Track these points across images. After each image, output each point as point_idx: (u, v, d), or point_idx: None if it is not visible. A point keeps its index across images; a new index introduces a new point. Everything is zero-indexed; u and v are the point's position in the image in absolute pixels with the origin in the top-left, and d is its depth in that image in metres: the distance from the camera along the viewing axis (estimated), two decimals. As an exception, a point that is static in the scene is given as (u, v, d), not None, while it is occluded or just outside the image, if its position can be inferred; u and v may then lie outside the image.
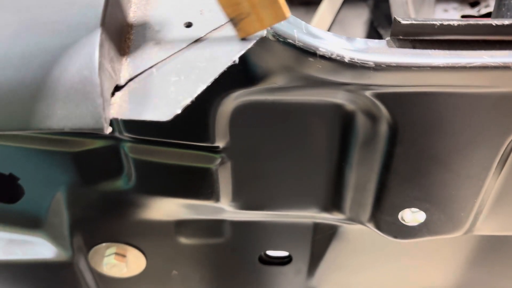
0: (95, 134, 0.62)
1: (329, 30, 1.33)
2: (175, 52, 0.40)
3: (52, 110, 0.36)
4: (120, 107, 0.37)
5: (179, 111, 0.37)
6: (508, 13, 0.78)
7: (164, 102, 0.37)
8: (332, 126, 0.56)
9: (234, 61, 0.40)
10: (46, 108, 0.36)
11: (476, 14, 1.45)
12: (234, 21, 0.40)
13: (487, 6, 1.45)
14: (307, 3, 1.46)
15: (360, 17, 1.41)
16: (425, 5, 1.34)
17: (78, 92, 0.35)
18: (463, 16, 1.44)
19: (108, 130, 0.37)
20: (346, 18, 1.41)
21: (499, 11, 0.78)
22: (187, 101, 0.37)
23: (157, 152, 0.62)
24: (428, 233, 0.63)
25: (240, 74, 0.51)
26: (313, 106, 0.55)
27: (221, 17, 0.42)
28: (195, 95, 0.38)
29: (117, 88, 0.38)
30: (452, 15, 1.45)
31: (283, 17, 0.40)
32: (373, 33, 1.37)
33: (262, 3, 0.39)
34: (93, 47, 0.36)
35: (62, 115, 0.35)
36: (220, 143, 0.60)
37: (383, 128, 0.54)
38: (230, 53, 0.40)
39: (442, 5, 1.48)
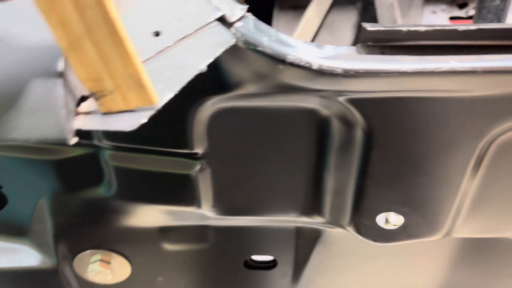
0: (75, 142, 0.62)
1: (317, 33, 1.34)
2: (143, 61, 0.40)
3: (17, 121, 0.36)
4: (86, 118, 0.38)
5: (144, 121, 0.37)
6: (489, 16, 0.78)
7: (130, 112, 0.37)
8: (308, 131, 0.57)
9: (201, 70, 0.40)
10: (11, 119, 0.36)
11: (464, 15, 1.46)
12: (95, 96, 0.37)
13: (475, 7, 1.45)
14: (296, 7, 1.46)
15: (349, 20, 1.41)
16: (413, 7, 1.34)
17: (42, 104, 0.35)
18: (451, 18, 1.44)
19: (73, 141, 0.37)
20: (335, 21, 1.41)
21: (480, 14, 0.79)
22: (153, 110, 0.38)
23: (137, 159, 0.62)
24: (407, 237, 0.63)
25: (214, 81, 0.51)
26: (289, 111, 0.55)
27: (189, 26, 0.42)
28: (162, 104, 0.38)
29: (83, 98, 0.39)
30: (440, 17, 1.46)
31: (151, 103, 0.38)
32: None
33: (127, 85, 0.36)
34: (56, 58, 0.36)
35: (27, 127, 0.36)
36: (199, 150, 0.60)
37: (358, 133, 0.54)
38: (198, 61, 0.40)
39: (431, 7, 1.49)
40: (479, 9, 0.79)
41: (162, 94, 0.38)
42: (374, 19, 1.36)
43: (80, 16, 0.32)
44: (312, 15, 1.21)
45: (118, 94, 0.37)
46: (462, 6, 1.48)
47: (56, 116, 0.35)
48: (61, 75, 0.36)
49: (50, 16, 0.32)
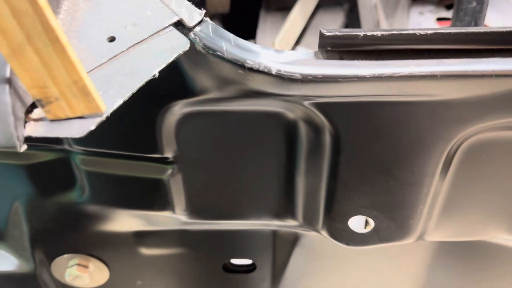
0: (45, 146, 0.62)
1: (303, 35, 1.33)
2: (96, 67, 0.40)
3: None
4: (36, 125, 0.37)
5: (93, 127, 0.37)
6: (466, 18, 0.78)
7: (79, 118, 0.37)
8: (277, 134, 0.57)
9: (154, 75, 0.40)
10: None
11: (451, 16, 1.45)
12: (41, 102, 0.37)
13: (461, 8, 1.45)
14: (283, 9, 1.46)
15: (335, 22, 1.41)
16: (399, 9, 1.34)
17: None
18: (438, 19, 1.44)
19: (23, 148, 0.37)
20: (321, 23, 1.41)
21: (457, 16, 0.79)
22: (103, 117, 0.37)
23: (108, 164, 0.62)
24: (379, 240, 0.63)
25: (179, 86, 0.51)
26: (256, 115, 0.55)
27: (144, 32, 0.42)
28: (111, 110, 0.38)
29: (34, 105, 0.38)
30: (428, 18, 1.45)
31: (97, 110, 0.37)
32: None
33: (72, 92, 0.36)
34: (4, 65, 0.36)
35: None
36: (169, 154, 0.60)
37: (326, 137, 0.54)
38: (151, 67, 0.40)
39: (418, 8, 1.48)
40: (456, 11, 0.79)
41: (113, 100, 0.38)
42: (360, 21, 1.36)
43: (18, 23, 0.32)
44: (297, 17, 1.21)
45: (63, 101, 0.37)
46: (449, 7, 1.47)
47: (3, 124, 0.35)
48: (8, 81, 0.35)
49: None
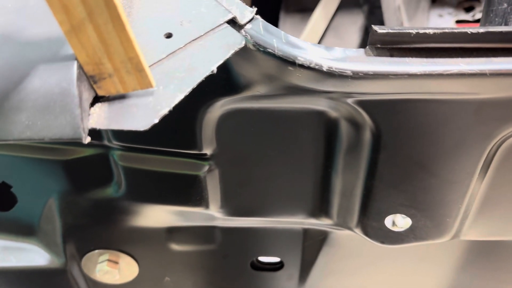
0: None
1: (323, 36, 1.34)
2: (155, 63, 0.41)
3: (33, 120, 0.36)
4: (99, 117, 0.38)
5: (156, 121, 0.38)
6: (496, 19, 0.79)
7: (142, 112, 0.38)
8: (317, 132, 0.57)
9: (212, 71, 0.41)
10: (26, 118, 0.36)
11: (470, 19, 1.46)
12: (94, 79, 0.38)
13: (481, 11, 1.45)
14: (302, 10, 1.47)
15: (355, 24, 1.41)
16: (419, 11, 1.34)
17: (57, 103, 0.36)
18: (457, 21, 1.44)
19: (87, 140, 0.37)
20: (341, 24, 1.42)
21: (487, 17, 0.79)
22: (165, 110, 0.38)
23: (145, 160, 0.63)
24: (415, 239, 0.63)
25: (224, 83, 0.52)
26: (298, 113, 0.55)
27: (200, 28, 0.43)
28: (173, 104, 0.39)
29: (97, 98, 0.39)
30: (447, 20, 1.46)
31: (149, 85, 0.38)
32: (368, 39, 1.38)
33: (126, 68, 0.37)
34: (71, 59, 0.36)
35: (42, 126, 0.36)
36: (208, 151, 0.60)
37: (367, 135, 0.54)
38: (209, 63, 0.41)
39: (437, 11, 1.49)
40: (486, 12, 0.79)
41: (174, 95, 0.39)
42: (380, 22, 1.36)
43: (82, 0, 0.32)
44: (319, 18, 1.22)
45: (116, 77, 0.37)
46: (468, 9, 1.48)
47: (71, 116, 0.36)
48: (76, 74, 0.36)
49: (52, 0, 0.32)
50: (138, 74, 0.38)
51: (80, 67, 0.37)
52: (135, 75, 0.38)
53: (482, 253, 0.73)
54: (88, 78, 0.38)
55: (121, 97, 0.39)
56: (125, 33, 0.35)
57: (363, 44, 1.37)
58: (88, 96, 0.38)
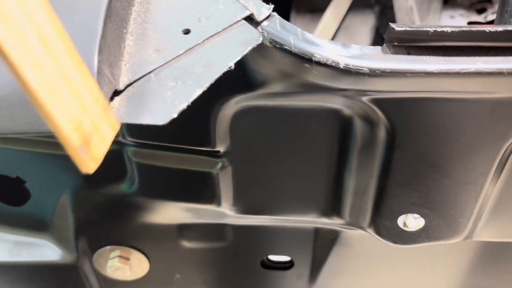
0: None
1: (334, 36, 1.34)
2: (173, 58, 0.41)
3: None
4: (118, 111, 0.38)
5: (175, 115, 0.38)
6: (511, 20, 0.78)
7: (161, 107, 0.38)
8: (331, 131, 0.57)
9: (230, 67, 0.41)
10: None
11: (483, 20, 1.45)
12: (84, 149, 0.31)
13: (494, 12, 1.44)
14: (313, 10, 1.47)
15: (366, 24, 1.41)
16: (431, 12, 1.34)
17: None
18: (469, 23, 1.43)
19: (107, 133, 0.38)
20: (352, 25, 1.41)
21: (501, 18, 0.78)
22: (183, 105, 0.38)
23: (159, 156, 0.63)
24: (427, 239, 0.63)
25: (239, 80, 0.52)
26: (312, 111, 0.55)
27: (218, 24, 0.43)
28: (191, 99, 0.39)
29: (116, 92, 0.40)
30: (459, 22, 1.45)
31: (117, 125, 0.34)
32: (379, 40, 1.37)
33: (97, 114, 0.31)
34: (92, 53, 0.37)
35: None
36: (221, 148, 0.60)
37: (381, 133, 0.54)
38: (226, 59, 0.41)
39: (449, 12, 1.48)
40: (500, 13, 0.78)
41: (192, 90, 0.39)
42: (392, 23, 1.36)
43: (49, 57, 0.28)
44: (330, 18, 1.21)
45: (96, 134, 0.32)
46: (480, 11, 1.47)
47: (90, 110, 0.36)
48: (96, 69, 0.37)
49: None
50: (106, 114, 0.33)
51: (100, 61, 0.37)
52: (105, 117, 0.32)
53: (495, 254, 0.73)
54: (79, 150, 0.31)
55: (140, 92, 0.40)
56: (84, 69, 0.30)
57: (374, 45, 1.36)
58: (107, 90, 0.38)
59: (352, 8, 1.37)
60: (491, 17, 1.45)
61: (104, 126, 0.33)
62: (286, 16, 1.46)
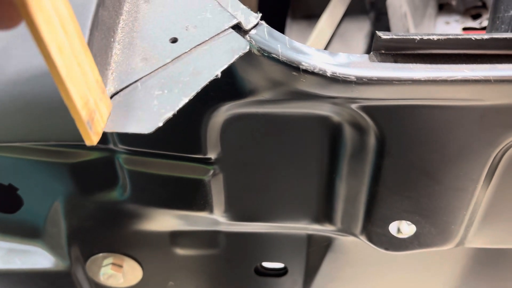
0: (91, 146, 0.64)
1: (329, 43, 1.34)
2: (160, 67, 0.41)
3: (39, 123, 0.37)
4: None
5: (161, 124, 0.38)
6: (502, 26, 0.78)
7: (147, 115, 0.38)
8: (321, 137, 0.57)
9: (217, 76, 0.41)
10: (32, 121, 0.37)
11: (477, 26, 1.45)
12: (90, 124, 0.35)
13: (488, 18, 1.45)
14: (308, 16, 1.48)
15: (361, 30, 1.42)
16: (426, 18, 1.34)
17: (63, 106, 0.36)
18: (464, 29, 1.44)
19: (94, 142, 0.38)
20: (347, 31, 1.42)
21: (493, 24, 0.79)
22: (169, 114, 0.38)
23: (151, 164, 0.63)
24: (419, 246, 0.63)
25: (229, 88, 0.52)
26: (302, 118, 0.55)
27: (205, 33, 0.43)
28: (178, 108, 0.39)
29: (103, 101, 0.40)
30: (454, 28, 1.46)
31: (111, 106, 0.38)
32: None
33: (98, 95, 0.35)
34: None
35: (48, 128, 0.37)
36: (212, 155, 0.61)
37: (371, 140, 0.54)
38: (213, 67, 0.41)
39: (444, 18, 1.48)
40: (492, 19, 0.79)
41: (178, 99, 0.39)
42: (386, 29, 1.36)
43: (64, 32, 0.31)
44: (325, 24, 1.22)
45: (98, 112, 0.36)
46: (475, 17, 1.47)
47: (76, 119, 0.36)
48: (81, 78, 0.37)
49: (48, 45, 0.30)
50: (103, 95, 0.36)
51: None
52: (103, 100, 0.36)
53: (488, 261, 0.72)
54: (87, 123, 0.35)
55: (126, 100, 0.40)
56: (89, 53, 0.34)
57: (369, 51, 1.37)
58: (94, 99, 0.38)
59: (347, 14, 1.38)
60: (485, 23, 1.45)
61: (102, 105, 0.37)
62: (282, 23, 1.47)
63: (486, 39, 0.44)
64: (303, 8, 1.48)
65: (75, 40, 0.33)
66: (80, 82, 0.34)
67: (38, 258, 0.79)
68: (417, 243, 0.62)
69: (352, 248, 0.75)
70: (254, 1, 1.33)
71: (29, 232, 0.75)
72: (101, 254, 0.78)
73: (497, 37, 0.44)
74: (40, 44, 0.30)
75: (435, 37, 0.43)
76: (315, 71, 0.45)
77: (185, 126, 0.58)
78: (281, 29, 1.46)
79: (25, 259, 0.79)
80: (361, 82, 0.45)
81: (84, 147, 0.63)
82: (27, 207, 0.72)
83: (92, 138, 0.36)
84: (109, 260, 0.79)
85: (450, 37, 0.43)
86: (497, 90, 0.46)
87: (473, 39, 0.43)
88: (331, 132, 0.56)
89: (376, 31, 0.44)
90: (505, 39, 0.44)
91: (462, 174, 0.55)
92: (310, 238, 0.75)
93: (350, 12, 1.38)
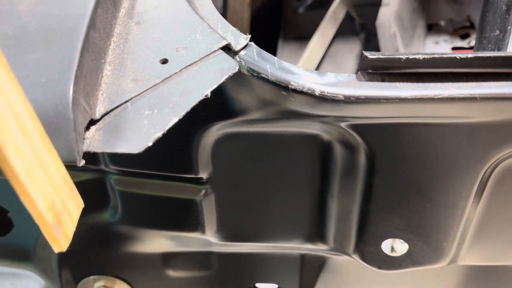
0: (82, 167, 0.64)
1: (320, 63, 1.36)
2: (150, 87, 0.42)
3: (28, 143, 0.37)
4: (94, 140, 0.39)
5: (150, 144, 0.38)
6: (489, 46, 0.80)
7: (137, 135, 0.39)
8: (311, 156, 0.58)
9: (206, 95, 0.42)
10: (22, 142, 0.37)
11: (466, 45, 1.48)
12: (57, 228, 0.33)
13: (476, 38, 1.47)
14: (300, 38, 1.50)
15: (351, 51, 1.44)
16: (415, 38, 1.37)
17: (52, 126, 0.37)
18: (453, 48, 1.47)
19: (82, 163, 0.38)
20: (338, 52, 1.44)
21: (480, 44, 0.80)
22: (159, 133, 0.39)
23: (142, 184, 0.63)
24: (412, 264, 0.62)
25: (220, 107, 0.53)
26: (292, 137, 0.56)
27: (195, 54, 0.44)
28: (167, 128, 0.39)
29: (93, 122, 0.40)
30: (443, 47, 1.48)
31: (82, 204, 0.36)
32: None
33: (65, 194, 0.33)
34: (67, 84, 0.37)
35: (37, 149, 0.37)
36: (204, 175, 0.61)
37: (361, 158, 0.55)
38: (203, 87, 0.42)
39: (433, 38, 1.51)
40: (479, 39, 0.80)
41: (168, 118, 0.40)
42: (376, 49, 1.39)
43: (21, 131, 0.29)
44: (316, 45, 1.24)
45: (65, 213, 0.34)
46: (464, 36, 1.50)
47: (66, 139, 0.37)
48: (71, 99, 0.37)
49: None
50: (72, 193, 0.34)
51: (75, 91, 0.37)
52: (72, 198, 0.34)
53: (481, 279, 0.72)
54: (53, 229, 0.32)
55: (116, 121, 0.40)
56: (53, 151, 0.32)
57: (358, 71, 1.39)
58: (83, 120, 0.38)
59: (338, 35, 1.40)
60: (474, 42, 1.48)
61: (71, 204, 0.34)
62: (274, 44, 1.49)
63: (471, 57, 0.45)
64: (294, 30, 1.51)
65: (35, 138, 0.31)
66: (43, 183, 0.31)
67: (28, 281, 0.78)
68: (410, 262, 0.62)
69: (346, 267, 0.75)
70: (246, 24, 1.35)
71: (20, 255, 0.74)
72: (92, 277, 0.77)
73: (482, 56, 0.45)
74: None
75: (421, 56, 0.44)
76: (304, 90, 0.45)
77: (177, 146, 0.58)
78: (273, 51, 1.48)
79: (16, 283, 0.78)
80: (349, 101, 0.45)
81: (75, 168, 0.63)
82: (18, 229, 0.71)
83: (60, 243, 0.33)
84: (100, 282, 0.78)
85: (436, 56, 0.44)
86: (483, 108, 0.47)
87: (458, 58, 0.44)
88: (322, 150, 0.57)
89: (363, 51, 0.45)
90: (489, 57, 0.45)
91: (452, 191, 0.55)
92: (303, 258, 0.74)
93: (341, 33, 1.40)
